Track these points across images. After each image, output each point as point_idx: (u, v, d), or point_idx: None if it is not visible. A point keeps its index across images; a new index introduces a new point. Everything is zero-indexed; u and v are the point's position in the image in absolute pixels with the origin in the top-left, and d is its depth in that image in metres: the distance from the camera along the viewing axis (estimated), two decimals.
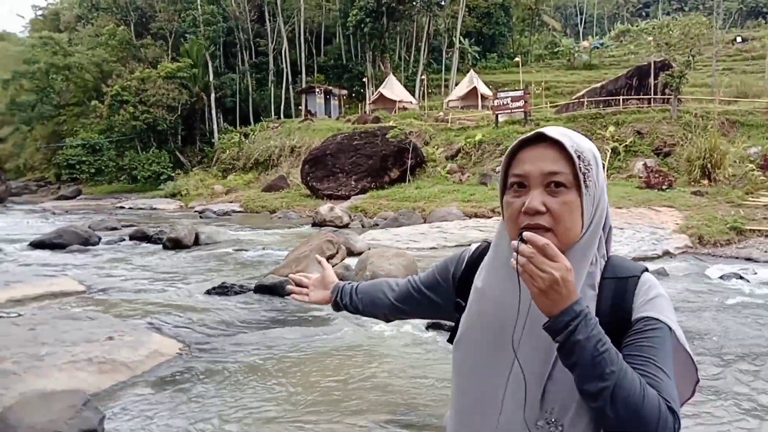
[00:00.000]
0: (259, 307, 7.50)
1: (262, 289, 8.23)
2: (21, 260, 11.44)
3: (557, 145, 1.09)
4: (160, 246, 13.40)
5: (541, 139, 1.11)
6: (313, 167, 26.18)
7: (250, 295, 8.13)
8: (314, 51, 50.25)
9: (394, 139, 25.24)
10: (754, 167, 17.35)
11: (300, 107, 42.23)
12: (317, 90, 40.63)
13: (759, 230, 13.17)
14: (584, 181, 1.07)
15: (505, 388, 1.11)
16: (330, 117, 38.83)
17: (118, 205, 30.77)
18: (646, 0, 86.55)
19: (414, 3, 43.12)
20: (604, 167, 13.66)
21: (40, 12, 71.33)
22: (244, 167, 34.61)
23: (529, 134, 1.12)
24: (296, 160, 30.65)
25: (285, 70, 45.18)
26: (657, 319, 1.07)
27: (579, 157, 1.08)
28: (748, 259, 11.65)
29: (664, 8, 76.87)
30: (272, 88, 45.91)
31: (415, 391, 4.66)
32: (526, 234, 1.01)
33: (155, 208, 28.48)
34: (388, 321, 1.59)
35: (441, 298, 1.37)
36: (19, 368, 4.63)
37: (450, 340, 1.28)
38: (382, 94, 37.44)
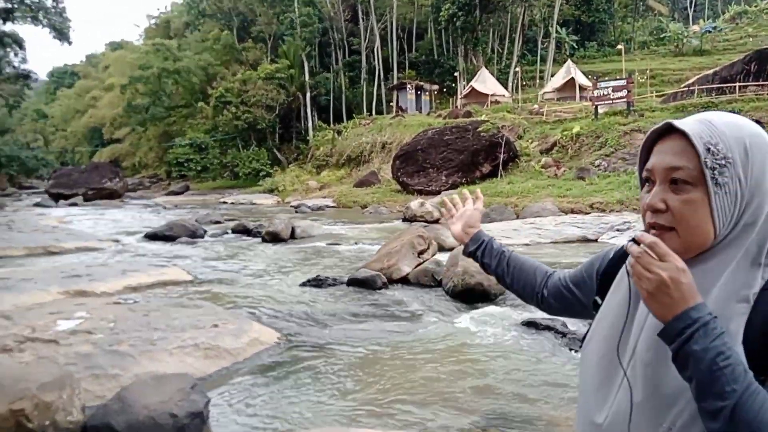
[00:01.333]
0: (351, 300, 7.65)
1: (355, 283, 8.38)
2: (137, 251, 12.43)
3: (686, 136, 0.98)
4: (260, 239, 14.04)
5: (673, 129, 1.01)
6: (404, 163, 26.31)
7: (343, 288, 8.31)
8: (406, 47, 50.47)
9: (485, 134, 24.81)
10: None
11: (391, 103, 42.59)
12: (408, 86, 40.78)
13: None
14: (713, 177, 0.95)
15: (614, 397, 1.04)
16: (421, 112, 38.86)
17: (222, 200, 32.63)
18: None
19: None
20: None
21: (153, 21, 77.14)
22: (337, 163, 35.48)
23: (658, 125, 1.04)
24: (387, 155, 30.96)
25: (377, 67, 45.75)
26: None
27: (709, 149, 0.95)
28: None
29: None
30: (364, 86, 46.65)
31: (506, 392, 4.55)
32: (637, 233, 0.95)
33: (255, 203, 29.91)
34: (538, 305, 1.48)
35: (586, 296, 1.29)
36: (135, 351, 5.01)
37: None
38: (474, 88, 36.92)
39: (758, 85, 22.90)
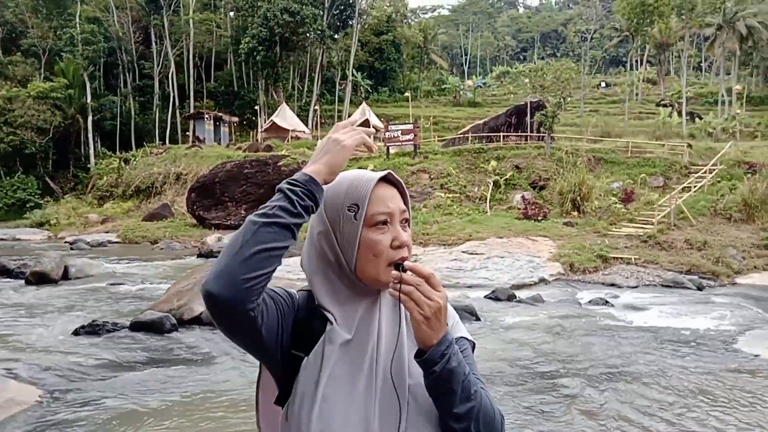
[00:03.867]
0: (134, 346, 6.99)
1: (139, 327, 7.69)
2: None
3: (396, 186, 1.14)
4: (23, 281, 12.14)
5: (384, 179, 1.13)
6: (201, 195, 25.24)
7: (125, 333, 7.57)
8: (204, 76, 48.99)
9: (286, 168, 25.02)
10: (617, 200, 19.14)
11: (187, 133, 40.76)
12: (206, 116, 39.45)
13: (621, 258, 14.50)
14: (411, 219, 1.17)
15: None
16: (219, 144, 37.79)
17: None
18: (524, 45, 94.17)
19: (307, 35, 43.55)
20: (486, 199, 14.35)
21: None
22: (124, 195, 32.56)
23: (383, 173, 1.13)
24: (182, 188, 29.39)
25: (171, 94, 43.52)
26: (468, 339, 1.17)
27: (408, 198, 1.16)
28: (612, 285, 12.76)
29: (539, 53, 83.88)
30: (157, 112, 43.95)
31: None
32: (408, 264, 1.04)
33: (19, 239, 25.89)
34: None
35: (270, 333, 1.06)
36: None
37: (281, 402, 1.08)
38: (274, 123, 37.13)
39: (518, 136, 26.83)
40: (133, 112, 43.91)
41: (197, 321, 8.30)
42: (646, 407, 5.39)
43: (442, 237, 17.40)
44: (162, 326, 7.70)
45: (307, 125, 40.33)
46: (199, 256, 17.38)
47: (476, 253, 14.64)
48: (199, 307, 8.57)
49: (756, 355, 7.26)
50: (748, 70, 52.69)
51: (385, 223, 1.10)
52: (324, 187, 1.07)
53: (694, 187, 19.43)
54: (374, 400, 1.05)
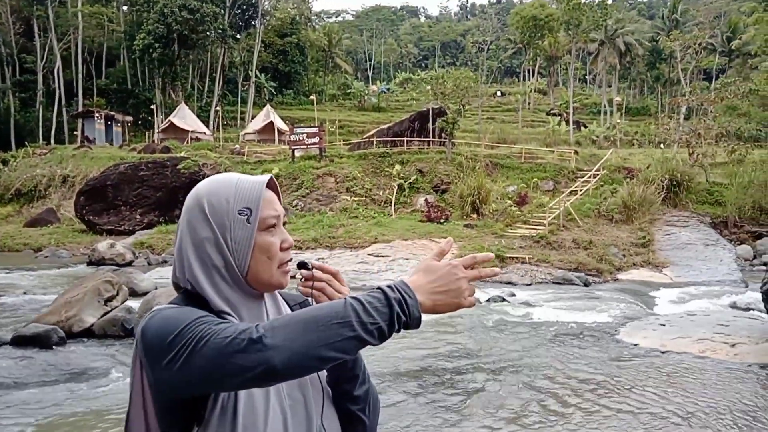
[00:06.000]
0: (15, 363, 6.45)
1: (21, 341, 7.09)
2: None
3: (274, 190, 1.13)
4: None
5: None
6: (91, 199, 23.67)
7: (6, 349, 6.96)
8: (94, 72, 46.00)
9: (186, 171, 24.05)
10: (512, 203, 20.20)
11: (75, 133, 38.04)
12: (97, 115, 37.04)
13: (517, 257, 15.33)
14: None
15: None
16: (112, 145, 35.62)
17: None
18: (425, 53, 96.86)
19: (208, 33, 42.16)
20: (391, 202, 14.55)
21: None
22: (2, 199, 29.81)
23: (268, 177, 1.14)
24: (69, 191, 27.40)
25: (58, 90, 40.47)
26: None
27: None
28: (509, 283, 13.47)
29: (439, 61, 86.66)
30: (41, 110, 40.70)
31: None
32: (315, 263, 1.15)
33: None
34: None
35: None
36: None
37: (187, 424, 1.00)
38: (173, 123, 35.55)
39: (421, 141, 27.55)
40: (12, 109, 40.38)
41: (88, 333, 7.82)
42: (540, 397, 5.77)
43: (348, 240, 17.50)
44: (48, 340, 7.15)
45: (208, 126, 39.00)
46: (89, 263, 16.29)
47: (382, 256, 14.89)
48: (90, 318, 8.06)
49: (635, 344, 7.97)
50: (627, 83, 57.62)
51: (274, 225, 1.11)
52: (203, 190, 1.07)
53: (581, 190, 20.93)
54: (285, 401, 1.06)
